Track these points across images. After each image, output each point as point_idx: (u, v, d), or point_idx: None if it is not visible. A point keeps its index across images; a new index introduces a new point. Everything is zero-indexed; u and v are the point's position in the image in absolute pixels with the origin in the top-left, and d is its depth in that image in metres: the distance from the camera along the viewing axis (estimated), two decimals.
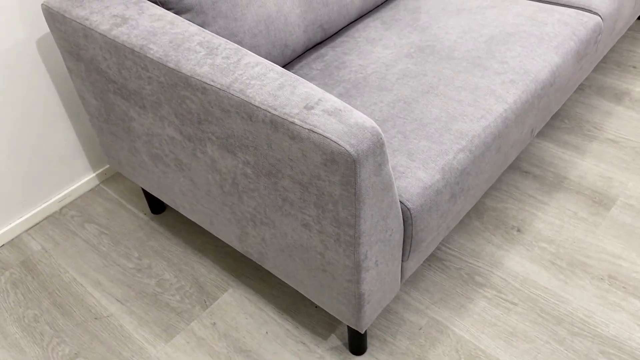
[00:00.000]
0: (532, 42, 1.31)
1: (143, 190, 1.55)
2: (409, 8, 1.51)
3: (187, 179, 1.16)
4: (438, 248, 1.43)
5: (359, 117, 0.81)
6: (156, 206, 1.56)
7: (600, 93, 1.90)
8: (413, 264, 1.11)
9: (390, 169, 0.88)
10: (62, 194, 1.62)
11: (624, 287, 1.31)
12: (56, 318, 1.34)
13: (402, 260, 1.06)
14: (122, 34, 1.02)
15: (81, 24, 1.08)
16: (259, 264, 1.18)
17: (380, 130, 0.82)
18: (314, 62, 1.35)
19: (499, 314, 1.27)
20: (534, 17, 1.39)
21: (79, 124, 1.57)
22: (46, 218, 1.60)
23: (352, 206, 0.84)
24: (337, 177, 0.81)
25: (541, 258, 1.39)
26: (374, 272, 0.96)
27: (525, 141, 1.32)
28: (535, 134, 1.38)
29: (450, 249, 1.42)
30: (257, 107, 0.85)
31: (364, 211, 0.85)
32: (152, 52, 0.97)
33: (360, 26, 1.46)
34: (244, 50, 0.94)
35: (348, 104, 1.18)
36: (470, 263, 1.39)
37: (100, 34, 1.05)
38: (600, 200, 1.52)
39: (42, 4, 1.16)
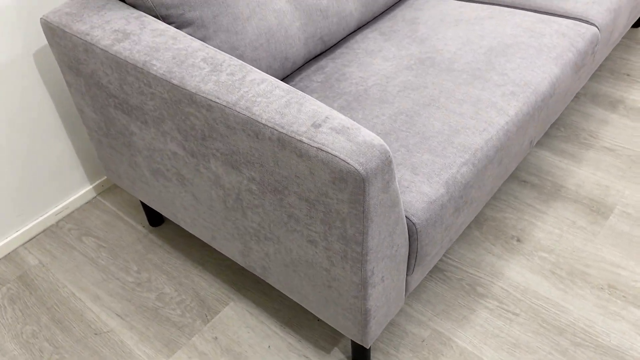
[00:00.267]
0: (531, 53, 1.32)
1: (141, 202, 1.54)
2: (407, 19, 1.51)
3: (189, 193, 1.15)
4: (439, 259, 1.43)
5: (367, 135, 0.81)
6: (155, 218, 1.55)
7: (595, 101, 1.91)
8: (417, 277, 1.11)
9: (397, 186, 0.88)
10: (59, 206, 1.60)
11: (623, 297, 1.32)
12: (55, 334, 1.32)
13: (406, 274, 1.06)
14: (124, 49, 1.01)
15: (82, 39, 1.07)
16: (262, 278, 1.17)
17: (388, 148, 0.82)
18: (314, 74, 1.35)
19: (501, 324, 1.28)
20: (532, 28, 1.40)
21: (76, 135, 1.56)
22: (43, 231, 1.59)
23: (360, 223, 0.83)
24: (346, 195, 0.81)
25: (541, 268, 1.39)
26: (380, 287, 0.96)
27: (524, 152, 1.33)
28: (534, 144, 1.39)
29: (451, 260, 1.43)
30: (264, 125, 0.84)
31: (372, 228, 0.84)
32: (155, 68, 0.96)
33: (359, 37, 1.47)
34: (249, 67, 0.94)
35: (350, 117, 1.18)
36: (472, 273, 1.39)
37: (101, 49, 1.04)
38: (597, 209, 1.53)
39: (41, 18, 1.15)
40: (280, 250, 1.03)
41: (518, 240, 1.47)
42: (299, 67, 1.38)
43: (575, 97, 1.93)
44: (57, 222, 1.61)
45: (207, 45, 1.00)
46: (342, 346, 1.25)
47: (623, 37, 2.21)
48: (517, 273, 1.38)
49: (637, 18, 1.84)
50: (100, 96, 1.15)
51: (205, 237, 1.25)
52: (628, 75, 2.02)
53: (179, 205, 1.23)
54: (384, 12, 1.58)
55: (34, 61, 1.38)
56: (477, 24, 1.44)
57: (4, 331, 1.33)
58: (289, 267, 1.05)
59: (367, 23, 1.53)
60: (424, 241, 1.00)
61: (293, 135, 0.82)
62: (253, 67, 0.94)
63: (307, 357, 1.24)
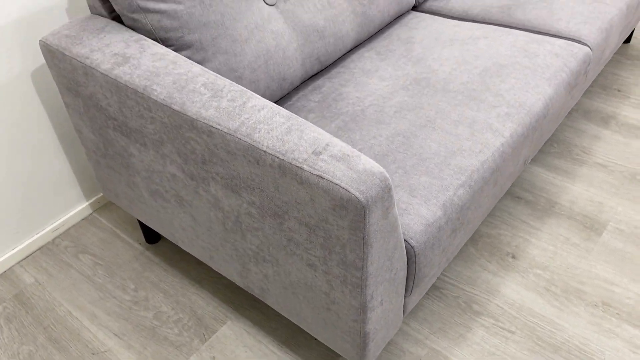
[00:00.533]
0: (525, 74, 1.34)
1: (138, 220, 1.54)
2: (402, 38, 1.53)
3: (188, 214, 1.16)
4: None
5: (367, 163, 0.82)
6: (151, 236, 1.55)
7: (587, 117, 1.94)
8: (415, 298, 1.12)
9: (397, 211, 0.89)
10: (56, 223, 1.60)
11: (617, 314, 1.33)
12: (52, 354, 1.32)
13: (404, 296, 1.07)
14: (124, 73, 1.01)
15: (81, 62, 1.07)
16: (261, 299, 1.17)
17: (387, 175, 0.83)
18: (311, 93, 1.36)
19: (497, 342, 1.29)
20: (525, 49, 1.42)
21: (73, 152, 1.56)
22: (39, 249, 1.58)
23: (360, 249, 0.84)
24: (346, 222, 0.82)
25: (536, 285, 1.41)
26: (379, 310, 0.97)
27: (519, 171, 1.34)
28: (528, 162, 1.41)
29: (447, 277, 1.44)
30: (265, 152, 0.85)
31: (372, 254, 0.85)
32: (155, 93, 0.97)
33: (355, 56, 1.48)
34: (249, 93, 0.95)
35: (348, 138, 1.19)
36: (468, 291, 1.40)
37: (101, 73, 1.04)
38: (591, 226, 1.55)
39: (40, 41, 1.16)
40: (279, 272, 1.04)
41: (513, 257, 1.48)
42: (296, 87, 1.39)
43: (568, 113, 1.96)
44: (54, 240, 1.61)
45: (207, 70, 1.01)
46: None
47: (614, 53, 2.24)
48: (512, 290, 1.40)
49: (628, 35, 1.87)
50: (99, 118, 1.16)
51: (203, 257, 1.25)
52: (619, 90, 2.05)
53: (177, 225, 1.23)
54: (379, 31, 1.60)
55: (31, 80, 1.38)
56: (472, 43, 1.46)
57: (0, 352, 1.33)
58: (287, 290, 1.06)
59: (363, 42, 1.55)
60: (422, 263, 1.01)
61: (294, 162, 0.83)
62: (253, 93, 0.95)
63: None
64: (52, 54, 1.14)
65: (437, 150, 1.14)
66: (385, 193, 0.82)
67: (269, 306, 1.39)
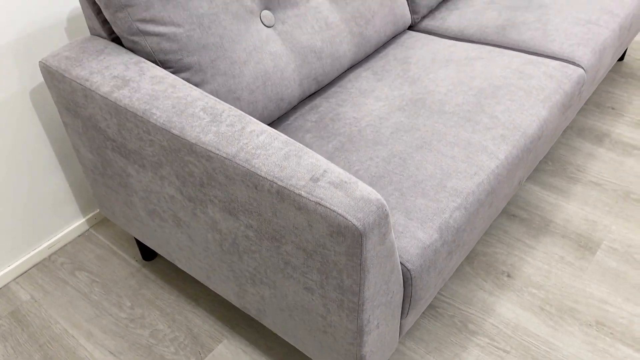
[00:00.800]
0: (520, 95, 1.36)
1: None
2: (399, 58, 1.55)
3: (185, 235, 1.16)
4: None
5: (364, 190, 0.83)
6: (148, 253, 1.55)
7: (582, 134, 1.96)
8: (411, 320, 1.13)
9: (394, 236, 0.90)
10: (52, 240, 1.60)
11: (611, 333, 1.34)
12: None
13: (400, 318, 1.07)
14: (124, 97, 1.02)
15: (81, 85, 1.08)
16: (257, 319, 1.18)
17: (384, 202, 0.84)
18: (309, 113, 1.37)
19: None
20: (520, 70, 1.44)
21: (70, 169, 1.56)
22: (35, 265, 1.58)
23: (357, 275, 0.85)
24: (343, 248, 0.83)
25: (531, 304, 1.42)
26: (375, 333, 0.97)
27: (514, 191, 1.36)
28: (523, 182, 1.42)
29: (443, 296, 1.45)
30: (264, 177, 0.86)
31: (369, 279, 0.86)
32: (155, 117, 0.98)
33: (352, 76, 1.49)
34: (248, 117, 0.96)
35: (345, 158, 1.20)
36: (463, 310, 1.41)
37: (101, 95, 1.05)
38: (585, 244, 1.56)
39: (40, 62, 1.17)
40: (276, 294, 1.04)
41: (508, 275, 1.49)
42: (294, 106, 1.40)
43: (563, 130, 1.98)
44: (50, 256, 1.61)
45: (206, 93, 1.02)
46: None
47: (608, 71, 2.27)
48: (507, 309, 1.41)
49: (621, 54, 1.89)
50: (98, 138, 1.17)
51: (200, 277, 1.26)
52: (613, 108, 2.07)
53: (174, 245, 1.24)
54: (376, 50, 1.61)
55: (30, 99, 1.39)
56: (467, 64, 1.48)
57: None
58: (284, 311, 1.06)
59: (360, 62, 1.56)
60: (418, 286, 1.02)
61: (292, 188, 0.84)
62: (252, 118, 0.96)
63: None
64: (52, 75, 1.15)
65: (433, 172, 1.15)
66: (382, 220, 0.83)
67: (264, 325, 1.39)
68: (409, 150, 1.21)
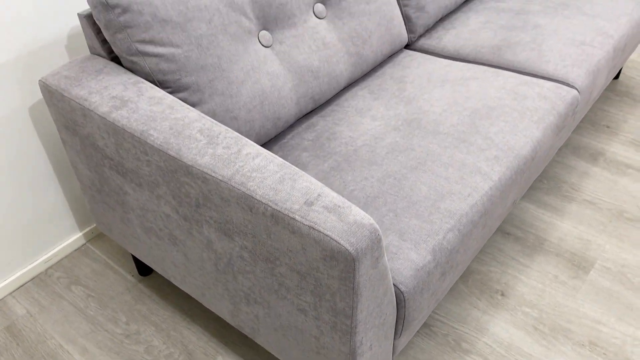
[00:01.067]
0: (514, 117, 1.37)
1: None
2: (395, 77, 1.56)
3: (181, 253, 1.17)
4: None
5: (357, 214, 0.84)
6: (144, 268, 1.56)
7: (577, 153, 1.97)
8: (404, 340, 1.14)
9: (386, 259, 0.91)
10: (49, 254, 1.61)
11: (604, 354, 1.35)
12: None
13: (394, 339, 1.08)
14: (122, 117, 1.04)
15: (80, 104, 1.10)
16: (251, 338, 1.18)
17: (377, 227, 0.85)
18: (305, 132, 1.38)
19: None
20: (515, 91, 1.46)
21: (67, 184, 1.57)
22: (31, 280, 1.59)
23: (350, 298, 0.86)
24: (336, 272, 0.84)
25: (525, 323, 1.42)
26: (368, 355, 0.98)
27: (507, 211, 1.37)
28: (517, 202, 1.43)
29: (437, 315, 1.45)
30: (259, 200, 0.87)
31: (361, 303, 0.87)
32: (152, 138, 0.99)
33: (348, 95, 1.51)
34: (244, 140, 0.97)
35: (340, 178, 1.22)
36: (457, 328, 1.42)
37: (99, 115, 1.06)
38: (579, 264, 1.57)
39: (39, 80, 1.18)
40: (270, 314, 1.05)
41: (502, 294, 1.50)
42: (291, 124, 1.42)
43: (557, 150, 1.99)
44: (46, 270, 1.61)
45: (203, 115, 1.04)
46: None
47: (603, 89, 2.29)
48: (501, 328, 1.41)
49: (615, 74, 1.91)
50: (96, 156, 1.18)
51: (195, 294, 1.26)
52: (607, 127, 2.09)
53: (169, 262, 1.25)
54: (372, 69, 1.63)
55: (29, 115, 1.40)
56: (463, 84, 1.50)
57: None
58: (278, 331, 1.07)
59: (357, 80, 1.58)
60: (411, 308, 1.03)
61: (286, 212, 0.85)
62: (248, 140, 0.97)
63: None
64: (52, 94, 1.16)
65: (427, 193, 1.17)
66: (375, 244, 0.84)
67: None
68: (403, 171, 1.22)
